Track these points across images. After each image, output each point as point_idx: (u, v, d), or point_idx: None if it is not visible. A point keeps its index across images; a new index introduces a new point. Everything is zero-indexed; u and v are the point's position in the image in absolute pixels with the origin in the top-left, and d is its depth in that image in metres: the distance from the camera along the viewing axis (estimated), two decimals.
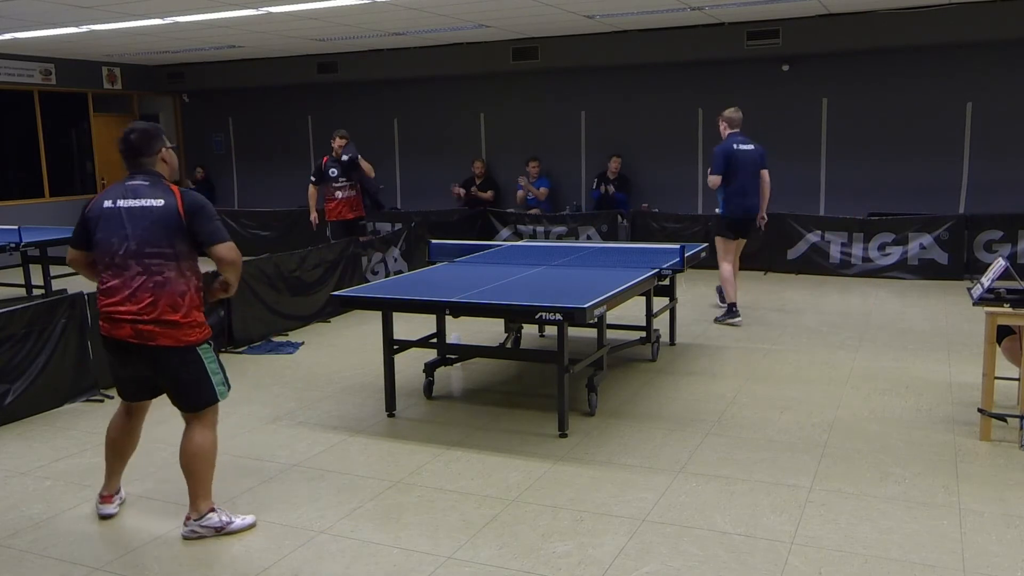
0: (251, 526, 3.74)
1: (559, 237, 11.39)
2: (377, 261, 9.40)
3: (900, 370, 6.03)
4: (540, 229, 11.65)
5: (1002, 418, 4.65)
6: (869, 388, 5.62)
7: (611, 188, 11.68)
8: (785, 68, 11.07)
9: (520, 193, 12.21)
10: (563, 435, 4.79)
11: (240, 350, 7.03)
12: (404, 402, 5.48)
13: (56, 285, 8.71)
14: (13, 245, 8.46)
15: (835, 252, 10.05)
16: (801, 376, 5.96)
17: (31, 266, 9.28)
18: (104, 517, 3.86)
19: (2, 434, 5.07)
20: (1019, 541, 3.47)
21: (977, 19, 9.55)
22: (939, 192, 10.50)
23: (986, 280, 4.56)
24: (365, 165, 9.19)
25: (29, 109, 13.10)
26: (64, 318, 5.58)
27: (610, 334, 5.86)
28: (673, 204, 11.61)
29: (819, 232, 10.11)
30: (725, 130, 7.65)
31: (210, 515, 3.66)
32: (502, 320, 6.30)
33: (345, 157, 9.14)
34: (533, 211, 11.94)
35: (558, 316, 4.45)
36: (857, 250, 9.95)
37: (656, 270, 5.70)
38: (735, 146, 7.51)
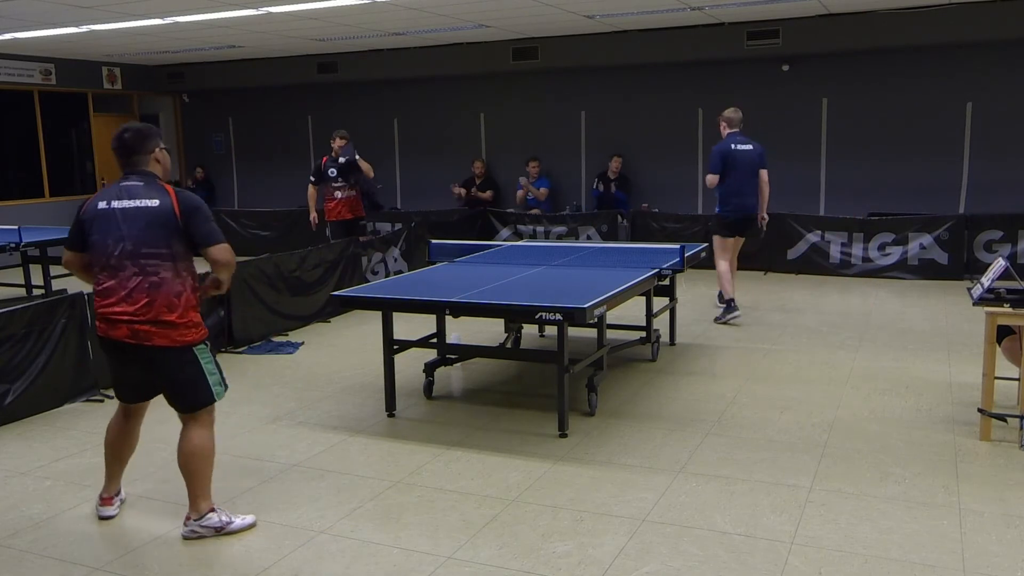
0: (251, 526, 3.74)
1: (559, 237, 11.39)
2: (377, 261, 9.40)
3: (900, 370, 6.03)
4: (540, 229, 11.65)
5: (1002, 418, 4.65)
6: (869, 388, 5.62)
7: (612, 187, 11.69)
8: (785, 68, 11.07)
9: (520, 193, 12.21)
10: (563, 435, 4.79)
11: (240, 350, 7.03)
12: (404, 402, 5.48)
13: (56, 285, 8.70)
14: (13, 245, 8.46)
15: (835, 252, 10.05)
16: (801, 376, 5.96)
17: (31, 266, 9.28)
18: (104, 519, 3.86)
19: (2, 434, 5.07)
20: (1019, 541, 3.47)
21: (977, 19, 9.55)
22: (939, 192, 10.50)
23: (986, 280, 4.56)
24: (364, 165, 9.18)
25: (29, 109, 13.10)
26: (64, 318, 5.58)
27: (610, 334, 5.86)
28: (673, 204, 11.62)
29: (819, 232, 10.12)
30: (725, 130, 7.70)
31: (210, 515, 3.66)
32: (502, 320, 6.30)
33: (342, 159, 9.12)
34: (533, 211, 11.94)
35: (558, 316, 4.45)
36: (857, 250, 9.96)
37: (656, 270, 5.70)
38: (733, 146, 7.54)
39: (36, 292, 9.08)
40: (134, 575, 3.39)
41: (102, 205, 3.58)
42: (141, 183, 3.59)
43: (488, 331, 7.15)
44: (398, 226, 11.16)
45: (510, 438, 4.82)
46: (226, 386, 3.74)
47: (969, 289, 4.72)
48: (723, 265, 7.67)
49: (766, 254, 10.14)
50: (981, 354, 4.65)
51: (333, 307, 7.95)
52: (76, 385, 5.66)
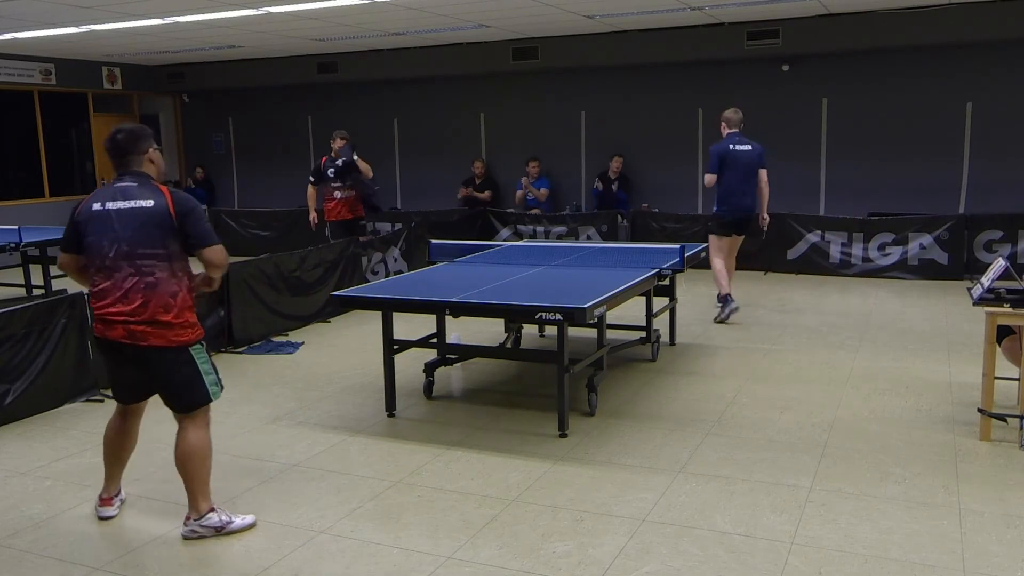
0: (251, 526, 3.74)
1: (559, 237, 11.39)
2: (377, 261, 9.40)
3: (900, 370, 6.03)
4: (540, 229, 11.66)
5: (1002, 418, 4.65)
6: (869, 388, 5.62)
7: (613, 186, 11.69)
8: (785, 68, 11.07)
9: (519, 193, 12.21)
10: (563, 435, 4.79)
11: (240, 350, 7.03)
12: (404, 402, 5.48)
13: (56, 285, 8.71)
14: (13, 245, 8.46)
15: (835, 252, 10.05)
16: (801, 376, 5.96)
17: (31, 266, 9.28)
18: (104, 519, 3.86)
19: (2, 434, 5.07)
20: (1019, 541, 3.47)
21: (977, 19, 9.55)
22: (939, 192, 10.50)
23: (986, 280, 4.56)
24: (363, 166, 9.17)
25: (29, 109, 13.10)
26: (64, 318, 5.58)
27: (610, 334, 5.86)
28: (673, 204, 11.62)
29: (819, 232, 10.12)
30: (724, 130, 7.72)
31: (210, 515, 3.66)
32: (502, 320, 6.30)
33: (339, 161, 9.11)
34: (533, 211, 11.95)
35: (558, 316, 4.45)
36: (857, 250, 9.96)
37: (656, 270, 5.70)
38: (731, 146, 7.57)
39: (36, 292, 9.08)
40: (134, 575, 3.39)
41: (96, 207, 3.58)
42: (135, 184, 3.59)
43: (488, 331, 7.15)
44: (398, 226, 11.16)
45: (510, 438, 4.82)
46: (222, 386, 3.75)
47: (969, 289, 4.72)
48: (717, 263, 7.71)
49: (766, 254, 10.14)
50: (981, 354, 4.65)
51: (333, 307, 7.95)
52: (76, 385, 5.66)
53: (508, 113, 12.90)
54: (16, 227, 8.96)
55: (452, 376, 6.16)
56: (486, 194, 12.55)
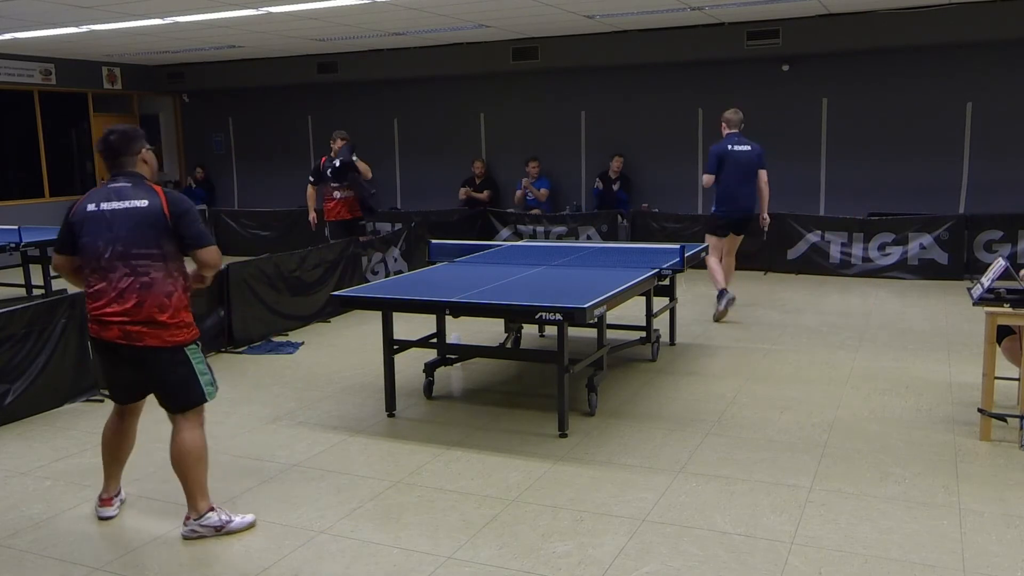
0: (251, 525, 3.74)
1: (559, 237, 11.39)
2: (377, 261, 9.40)
3: (900, 370, 6.03)
4: (540, 229, 11.66)
5: (1002, 418, 4.65)
6: (869, 388, 5.62)
7: (614, 186, 11.69)
8: (785, 68, 11.07)
9: (519, 193, 12.20)
10: (563, 435, 4.79)
11: (240, 350, 7.03)
12: (404, 402, 5.48)
13: (56, 285, 8.70)
14: (13, 245, 8.46)
15: (835, 252, 10.05)
16: (801, 376, 5.96)
17: (31, 266, 9.29)
18: (104, 519, 3.86)
19: (2, 434, 5.07)
20: (1019, 541, 3.47)
21: (977, 19, 9.55)
22: (939, 192, 10.50)
23: (986, 280, 4.55)
24: (362, 166, 9.16)
25: (29, 109, 13.10)
26: (64, 318, 5.58)
27: (610, 334, 5.86)
28: (673, 204, 11.62)
29: (819, 232, 10.12)
30: (724, 130, 7.73)
31: (209, 514, 3.66)
32: (502, 320, 6.30)
33: (337, 161, 9.10)
34: (533, 211, 11.95)
35: (558, 316, 4.45)
36: (857, 250, 9.96)
37: (656, 270, 5.70)
38: (729, 147, 7.58)
39: (36, 292, 9.08)
40: (134, 575, 3.39)
41: (91, 207, 3.57)
42: (129, 184, 3.59)
43: (488, 331, 7.15)
44: (398, 226, 11.16)
45: (510, 438, 4.82)
46: (217, 386, 3.75)
47: (969, 289, 4.72)
48: (712, 261, 7.72)
49: (766, 254, 10.14)
50: (981, 354, 4.64)
51: (333, 307, 7.95)
52: (76, 385, 5.65)
53: (508, 113, 12.90)
54: (16, 227, 8.95)
55: (452, 376, 6.16)
56: (485, 194, 12.54)
